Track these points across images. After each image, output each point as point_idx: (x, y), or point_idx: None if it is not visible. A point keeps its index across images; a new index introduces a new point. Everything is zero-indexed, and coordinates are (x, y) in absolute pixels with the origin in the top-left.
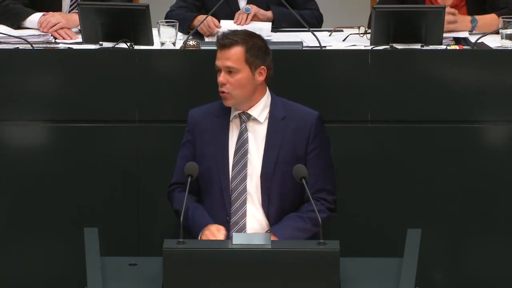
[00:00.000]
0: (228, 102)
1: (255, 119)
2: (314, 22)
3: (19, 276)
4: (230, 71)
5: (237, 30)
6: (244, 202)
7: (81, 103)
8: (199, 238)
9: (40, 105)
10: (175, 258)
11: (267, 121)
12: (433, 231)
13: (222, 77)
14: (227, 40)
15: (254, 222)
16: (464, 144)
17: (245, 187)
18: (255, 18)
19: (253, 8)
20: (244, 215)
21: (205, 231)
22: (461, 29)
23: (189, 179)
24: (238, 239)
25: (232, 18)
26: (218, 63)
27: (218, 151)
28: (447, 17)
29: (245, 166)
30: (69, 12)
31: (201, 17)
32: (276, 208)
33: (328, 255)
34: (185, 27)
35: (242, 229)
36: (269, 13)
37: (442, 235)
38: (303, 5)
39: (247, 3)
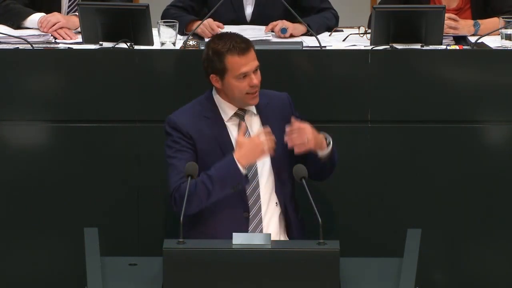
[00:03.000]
0: (258, 100)
1: (249, 111)
2: (335, 22)
3: (20, 276)
4: (256, 70)
5: (232, 33)
6: (258, 196)
7: (81, 103)
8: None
9: (40, 105)
10: (175, 258)
11: (256, 111)
12: (433, 231)
13: (256, 79)
14: (243, 44)
15: (269, 210)
16: (464, 144)
17: (258, 181)
18: (291, 36)
19: (289, 29)
20: (260, 209)
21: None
22: (463, 33)
23: (189, 179)
24: (238, 239)
25: (236, 23)
26: (246, 68)
27: (224, 151)
28: (448, 22)
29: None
30: (68, 13)
31: (197, 22)
32: (290, 190)
33: (328, 255)
34: (181, 29)
35: (260, 222)
36: (302, 27)
37: (442, 235)
38: (319, 5)
39: (253, 7)
